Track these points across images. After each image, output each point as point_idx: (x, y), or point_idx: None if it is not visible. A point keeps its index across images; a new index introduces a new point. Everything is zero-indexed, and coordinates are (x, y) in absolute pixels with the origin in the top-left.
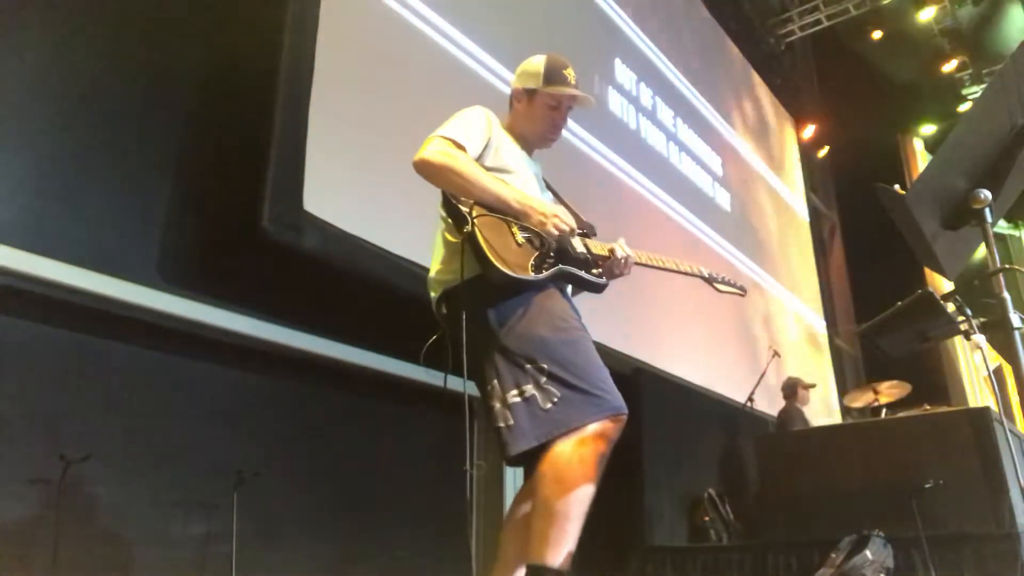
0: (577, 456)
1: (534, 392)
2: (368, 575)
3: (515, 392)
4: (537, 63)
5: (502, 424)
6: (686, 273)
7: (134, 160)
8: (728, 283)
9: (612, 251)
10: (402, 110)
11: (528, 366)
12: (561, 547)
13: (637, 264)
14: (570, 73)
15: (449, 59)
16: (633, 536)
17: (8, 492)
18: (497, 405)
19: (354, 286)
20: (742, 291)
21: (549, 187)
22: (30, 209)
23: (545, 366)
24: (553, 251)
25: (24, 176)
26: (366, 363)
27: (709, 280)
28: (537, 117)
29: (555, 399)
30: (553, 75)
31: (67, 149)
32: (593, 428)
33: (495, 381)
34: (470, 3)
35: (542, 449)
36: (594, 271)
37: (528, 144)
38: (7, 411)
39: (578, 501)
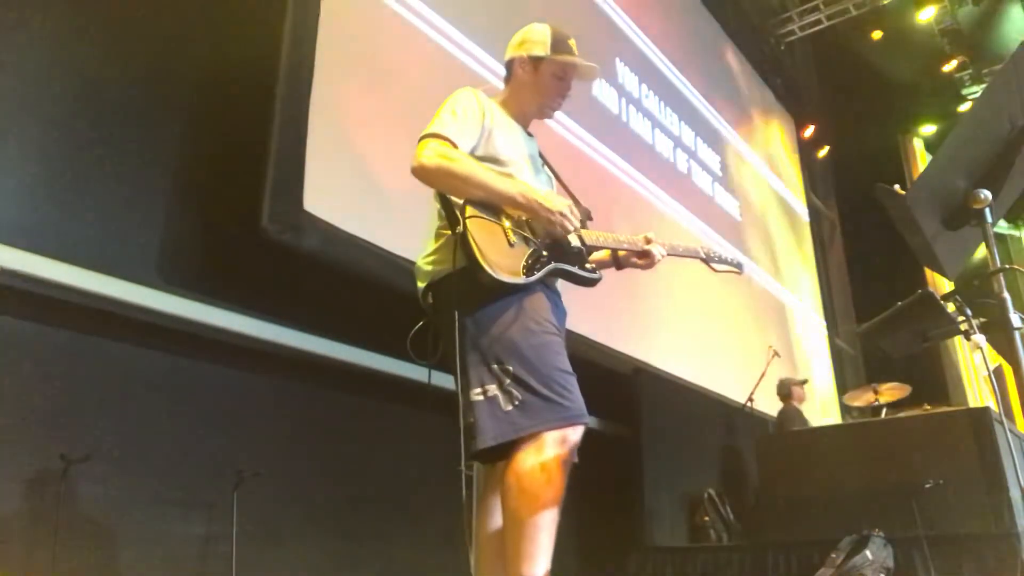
0: (539, 464)
1: (497, 392)
2: (368, 575)
3: (479, 391)
4: (542, 30)
5: (463, 421)
6: (682, 255)
7: (134, 160)
8: (724, 260)
9: (648, 252)
10: (402, 110)
11: (494, 366)
12: (537, 559)
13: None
14: (573, 44)
15: (449, 59)
16: (633, 536)
17: (8, 492)
18: (463, 401)
19: (354, 286)
20: (739, 267)
21: (546, 162)
22: (30, 209)
23: (511, 368)
24: (547, 248)
25: (24, 176)
26: (366, 363)
27: (706, 260)
28: (542, 86)
29: (516, 402)
30: (560, 44)
31: (67, 149)
32: (552, 435)
33: (463, 378)
34: (470, 3)
35: (505, 452)
36: (587, 265)
37: (525, 117)
38: (7, 411)
39: (546, 510)
